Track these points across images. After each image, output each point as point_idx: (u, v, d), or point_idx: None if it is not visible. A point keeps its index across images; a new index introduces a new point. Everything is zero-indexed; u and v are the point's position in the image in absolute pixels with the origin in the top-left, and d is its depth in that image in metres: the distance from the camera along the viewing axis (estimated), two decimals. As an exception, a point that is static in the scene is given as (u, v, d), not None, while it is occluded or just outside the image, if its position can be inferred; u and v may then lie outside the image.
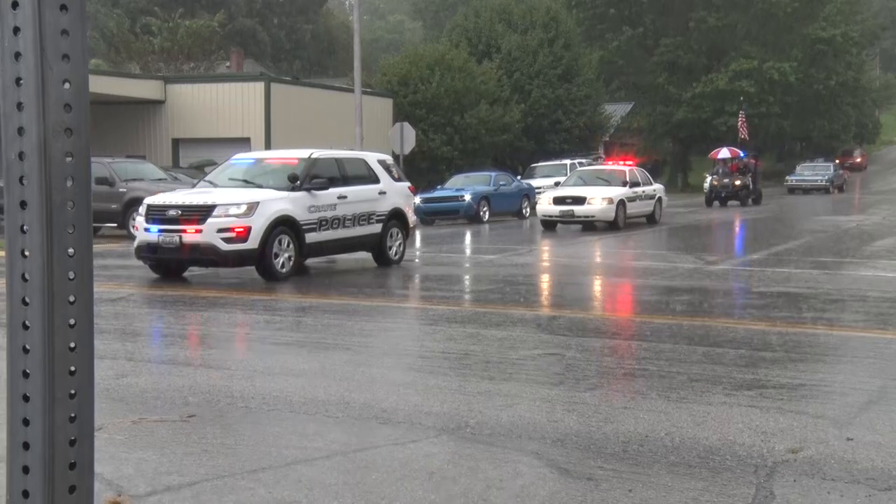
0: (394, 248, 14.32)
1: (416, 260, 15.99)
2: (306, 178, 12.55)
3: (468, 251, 18.27)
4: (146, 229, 11.89)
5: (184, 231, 11.52)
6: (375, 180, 14.04)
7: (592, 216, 22.61)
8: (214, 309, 10.02)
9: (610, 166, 27.50)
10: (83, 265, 1.31)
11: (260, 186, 12.50)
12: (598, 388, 6.20)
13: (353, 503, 4.10)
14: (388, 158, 15.37)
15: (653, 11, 54.39)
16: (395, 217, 14.26)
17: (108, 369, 6.66)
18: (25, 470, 1.20)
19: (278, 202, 12.03)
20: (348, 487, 4.33)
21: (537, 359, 7.39)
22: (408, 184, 15.45)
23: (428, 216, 26.84)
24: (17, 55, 1.20)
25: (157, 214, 11.89)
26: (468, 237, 19.70)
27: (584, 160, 32.81)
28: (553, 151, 40.44)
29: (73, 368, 1.27)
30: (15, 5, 1.19)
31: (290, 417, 5.51)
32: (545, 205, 23.36)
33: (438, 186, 29.90)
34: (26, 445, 1.20)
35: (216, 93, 29.70)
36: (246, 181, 12.94)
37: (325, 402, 5.85)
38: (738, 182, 34.92)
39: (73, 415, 1.24)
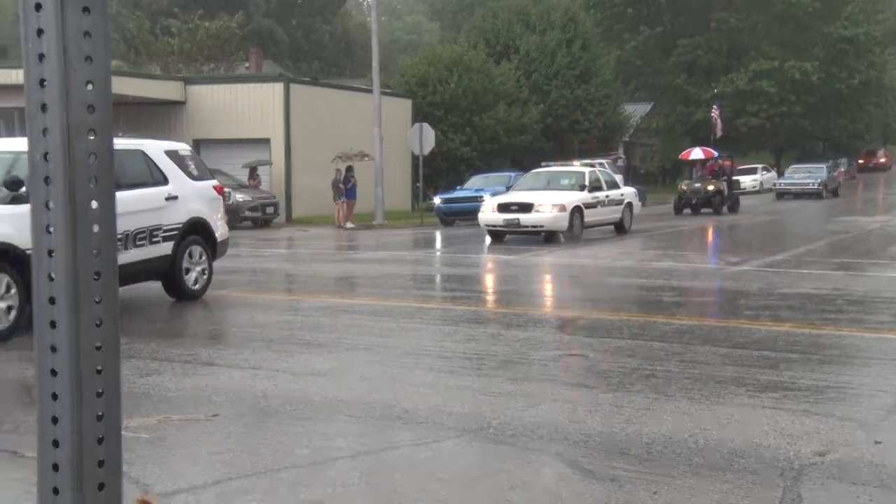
0: (193, 274, 10.46)
1: (433, 256, 15.90)
2: None
3: (489, 252, 18.26)
4: None
5: None
6: (161, 180, 10.11)
7: (541, 226, 19.13)
8: (235, 309, 10.07)
9: (568, 167, 24.02)
10: (108, 265, 1.32)
11: None
12: (621, 389, 6.17)
13: (376, 502, 4.10)
14: (184, 148, 11.37)
15: (671, 11, 54.17)
16: (196, 230, 10.51)
17: (133, 368, 6.70)
18: (55, 467, 1.21)
19: None
20: (371, 487, 4.34)
21: (558, 359, 7.37)
22: (213, 182, 11.36)
23: (448, 217, 26.85)
24: (41, 57, 1.20)
25: None
26: (488, 238, 19.70)
27: (604, 161, 32.48)
28: (573, 152, 40.33)
29: (99, 367, 1.27)
30: (38, 7, 1.19)
31: (313, 417, 5.52)
32: (488, 212, 19.70)
33: (458, 187, 29.90)
34: (56, 443, 1.21)
35: (236, 93, 29.85)
36: None
37: (346, 402, 5.87)
38: (710, 187, 30.11)
39: (100, 413, 1.24)
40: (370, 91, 29.65)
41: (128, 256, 9.16)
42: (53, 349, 1.26)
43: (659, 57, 53.76)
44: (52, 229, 1.27)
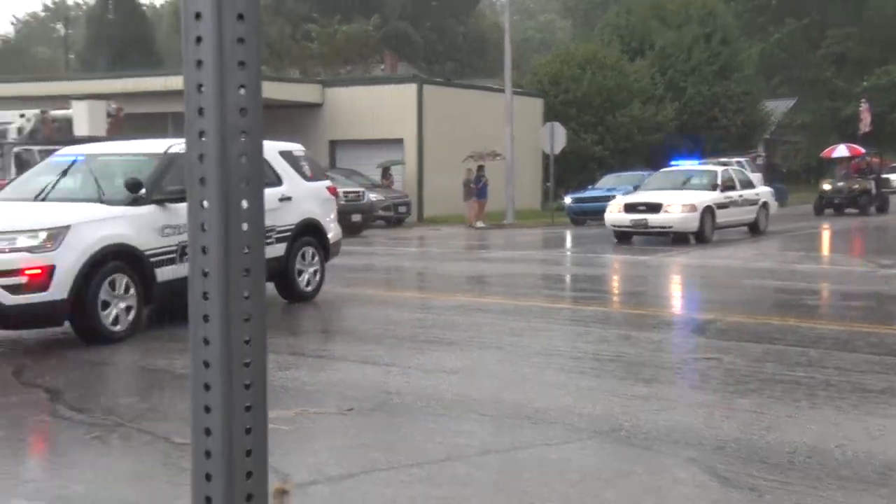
0: (306, 276, 10.35)
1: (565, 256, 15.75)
2: (157, 185, 8.52)
3: (620, 252, 17.97)
4: None
5: None
6: (275, 181, 9.99)
7: (669, 226, 18.62)
8: (369, 307, 10.29)
9: (699, 166, 23.09)
10: (256, 262, 1.37)
11: (80, 200, 8.39)
12: (760, 396, 5.95)
13: (506, 500, 4.11)
14: (298, 148, 11.16)
15: (819, 1, 51.71)
16: (309, 231, 10.41)
17: (272, 362, 6.95)
18: (207, 454, 1.27)
19: (106, 224, 7.89)
20: (501, 486, 4.35)
21: (693, 363, 7.18)
22: (327, 183, 11.32)
23: (578, 216, 26.59)
24: (199, 63, 1.26)
25: None
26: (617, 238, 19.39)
27: (741, 159, 31.24)
28: (708, 151, 39.14)
29: (248, 361, 1.33)
30: (198, 16, 1.25)
31: (444, 414, 5.58)
32: (614, 213, 19.28)
33: (589, 186, 29.56)
34: (208, 431, 1.27)
35: (371, 95, 30.49)
36: (55, 195, 8.66)
37: (477, 400, 5.90)
38: (855, 186, 28.26)
39: (248, 404, 1.30)
40: (502, 91, 29.70)
41: None
42: (206, 342, 1.32)
43: (805, 49, 51.37)
44: (206, 227, 1.33)
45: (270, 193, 9.56)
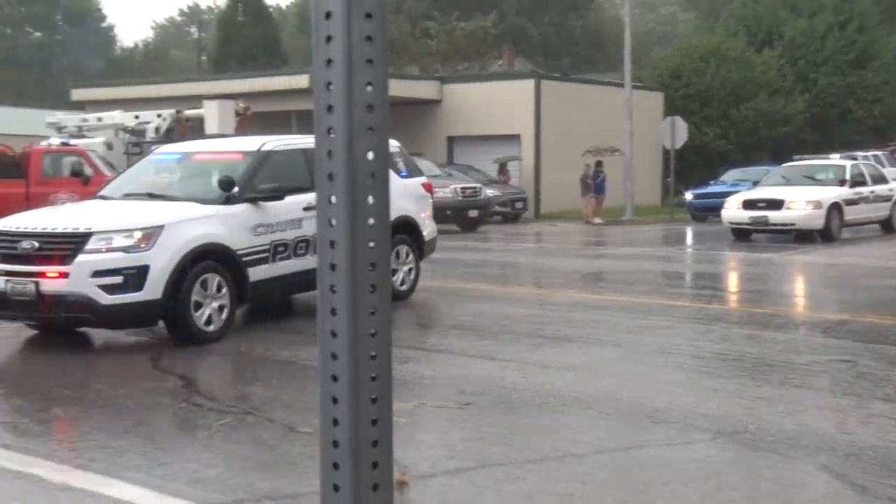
0: (400, 275, 10.06)
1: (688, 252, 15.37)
2: (249, 183, 8.42)
3: (742, 249, 17.40)
4: None
5: (42, 275, 7.29)
6: None
7: (792, 224, 17.85)
8: (486, 302, 10.32)
9: (826, 160, 22.05)
10: (382, 256, 1.39)
11: (174, 199, 8.41)
12: (896, 400, 5.65)
13: (625, 501, 4.05)
14: (393, 145, 10.41)
15: (964, -17, 48.50)
16: (402, 229, 10.09)
17: (392, 356, 7.06)
18: (335, 444, 1.30)
19: (199, 223, 7.85)
20: (620, 485, 4.29)
21: (824, 365, 6.89)
22: (422, 179, 11.06)
23: (700, 212, 25.88)
24: (329, 62, 1.30)
25: (5, 247, 7.59)
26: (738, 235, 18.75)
27: (878, 153, 29.58)
28: (839, 144, 37.37)
29: (373, 353, 1.35)
30: (328, 16, 1.28)
31: (562, 411, 5.55)
32: (732, 209, 18.63)
33: (711, 182, 28.72)
34: (336, 421, 1.30)
35: (489, 91, 30.54)
36: (152, 193, 8.74)
37: (595, 397, 5.84)
38: None
39: (374, 396, 1.32)
40: (621, 85, 29.22)
41: None
42: (334, 334, 1.35)
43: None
44: (333, 222, 1.36)
45: None
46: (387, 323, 1.38)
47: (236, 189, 8.17)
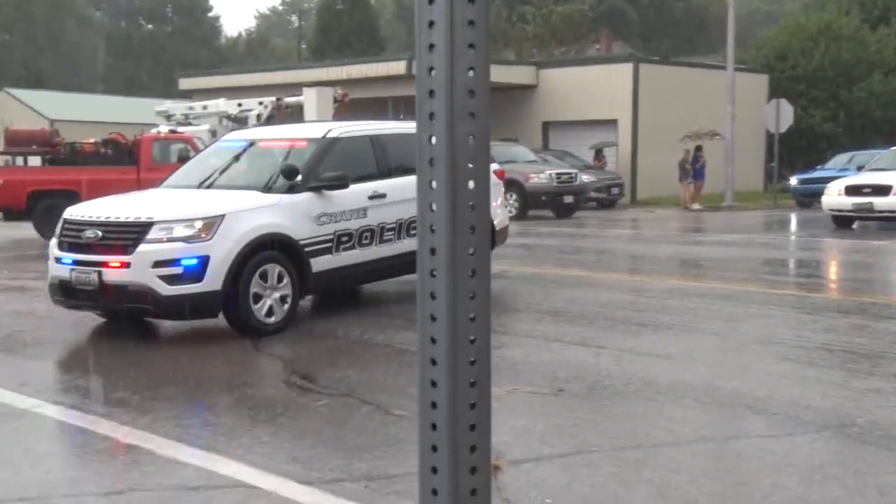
0: None
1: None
2: (313, 171, 8.19)
3: (850, 236, 16.75)
4: (58, 259, 7.63)
5: (104, 264, 7.27)
6: None
7: None
8: (581, 288, 10.24)
9: None
10: (482, 241, 1.40)
11: (238, 187, 8.25)
12: None
13: (722, 492, 3.97)
14: None
15: None
16: None
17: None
18: (433, 427, 1.31)
19: (259, 213, 7.70)
20: (718, 475, 4.20)
21: (937, 358, 6.58)
22: (493, 166, 10.27)
23: (805, 198, 25.02)
24: (431, 46, 1.30)
25: (71, 235, 7.61)
26: (844, 222, 18.01)
27: None
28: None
29: (472, 337, 1.36)
30: (431, 1, 1.29)
31: (657, 399, 5.47)
32: (833, 196, 18.01)
33: (818, 167, 27.71)
34: (434, 405, 1.32)
35: (585, 75, 30.16)
36: (216, 182, 8.53)
37: (692, 385, 5.73)
38: None
39: (472, 380, 1.33)
40: (723, 67, 28.44)
41: (400, 246, 8.75)
42: (433, 318, 1.37)
43: None
44: (434, 207, 1.37)
45: None
46: (486, 307, 1.38)
47: (300, 177, 7.96)
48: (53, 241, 7.74)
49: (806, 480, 4.08)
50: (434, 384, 1.33)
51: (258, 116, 20.96)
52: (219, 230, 7.29)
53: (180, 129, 19.87)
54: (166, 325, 8.10)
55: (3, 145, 20.38)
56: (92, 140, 18.65)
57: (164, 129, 19.68)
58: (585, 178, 24.08)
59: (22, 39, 57.40)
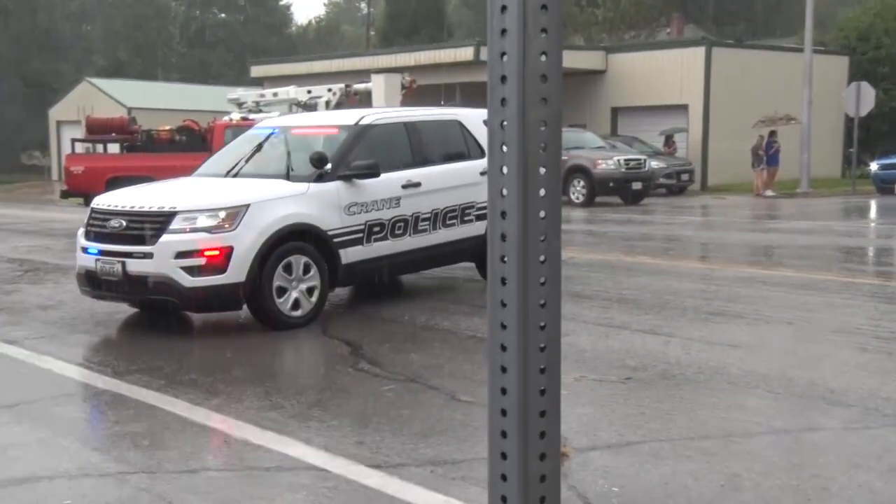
0: None
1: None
2: (344, 160, 7.94)
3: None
4: (85, 248, 7.51)
5: (128, 254, 7.14)
6: (478, 153, 9.07)
7: None
8: (649, 276, 10.10)
9: None
10: (552, 227, 1.39)
11: (266, 176, 8.05)
12: None
13: (797, 484, 3.89)
14: None
15: None
16: None
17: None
18: (503, 412, 1.31)
19: (286, 202, 7.47)
20: (792, 467, 4.12)
21: None
22: None
23: (885, 184, 24.25)
24: (503, 31, 1.30)
25: (97, 225, 7.51)
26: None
27: None
28: None
29: (542, 324, 1.35)
30: (503, -15, 1.28)
31: (728, 389, 5.37)
32: None
33: (900, 151, 26.83)
34: (504, 391, 1.32)
35: (655, 60, 29.66)
36: (245, 170, 8.37)
37: (765, 376, 5.61)
38: None
39: (542, 367, 1.33)
40: (800, 50, 27.66)
41: (434, 237, 8.51)
42: (503, 304, 1.36)
43: None
44: (505, 192, 1.37)
45: (471, 167, 8.93)
46: (557, 293, 1.37)
47: (329, 166, 7.72)
48: (81, 231, 7.64)
49: (886, 475, 3.97)
50: (504, 370, 1.33)
51: (327, 103, 21.16)
52: (243, 220, 7.07)
53: (252, 116, 20.19)
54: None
55: (84, 133, 20.98)
56: (167, 127, 19.10)
57: (236, 116, 20.02)
58: (654, 164, 23.72)
59: (102, 30, 58.94)
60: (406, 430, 4.72)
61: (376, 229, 7.99)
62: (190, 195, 7.52)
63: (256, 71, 35.46)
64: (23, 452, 4.52)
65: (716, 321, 7.43)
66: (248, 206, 7.17)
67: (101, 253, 7.24)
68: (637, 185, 22.07)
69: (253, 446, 4.48)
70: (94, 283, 7.37)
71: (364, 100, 21.10)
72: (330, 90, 21.51)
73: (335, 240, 7.65)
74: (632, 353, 6.34)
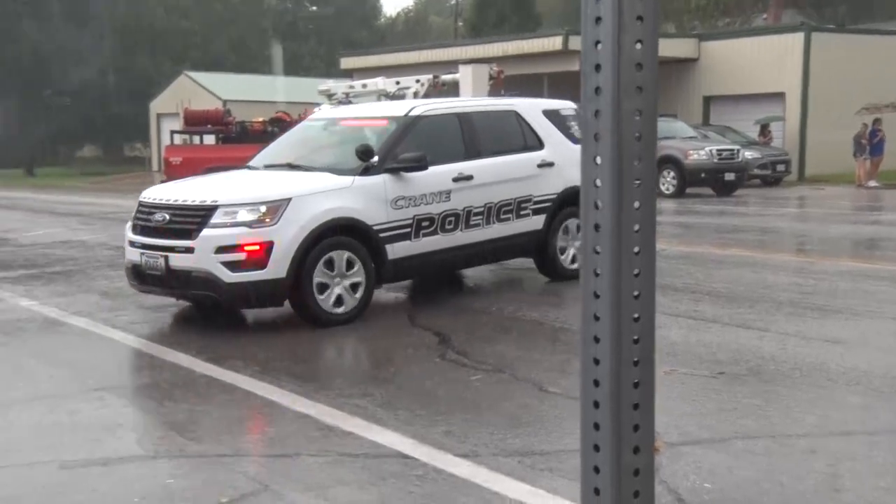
0: (571, 252, 9.08)
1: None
2: (391, 152, 7.70)
3: None
4: (131, 242, 7.48)
5: (171, 249, 7.06)
6: (535, 145, 8.84)
7: None
8: (742, 268, 9.86)
9: None
10: (647, 218, 1.37)
11: (312, 169, 7.82)
12: None
13: (898, 488, 3.75)
14: (567, 107, 9.52)
15: None
16: (574, 201, 8.82)
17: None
18: (595, 404, 1.31)
19: (329, 196, 7.25)
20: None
21: None
22: None
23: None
24: (598, 20, 1.28)
25: (143, 219, 7.44)
26: None
27: None
28: None
29: (636, 315, 1.34)
30: (598, -27, 1.27)
31: (827, 386, 5.21)
32: None
33: None
34: (596, 382, 1.31)
35: (751, 47, 28.84)
36: (292, 163, 8.13)
37: (867, 373, 5.42)
38: None
39: (636, 359, 1.31)
40: (905, 33, 26.51)
41: (488, 232, 8.25)
42: (596, 295, 1.35)
43: None
44: (598, 183, 1.35)
45: (528, 159, 8.69)
46: (651, 285, 1.36)
47: (375, 158, 7.51)
48: (129, 224, 7.59)
49: None
50: (597, 362, 1.32)
51: (415, 94, 21.29)
52: (284, 215, 6.90)
53: (341, 107, 20.48)
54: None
55: (182, 125, 21.65)
56: (260, 119, 19.56)
57: (326, 107, 20.34)
58: (748, 154, 23.09)
59: (199, 24, 60.62)
60: (494, 420, 4.73)
61: (425, 224, 7.75)
62: (232, 189, 7.39)
63: (346, 62, 35.92)
64: (126, 433, 4.71)
65: (813, 316, 7.21)
66: (289, 199, 7.00)
67: (146, 247, 7.20)
68: (730, 176, 21.53)
69: (343, 433, 4.56)
70: (140, 277, 7.32)
71: (452, 90, 21.15)
72: (418, 81, 21.63)
73: (381, 235, 7.43)
74: (724, 347, 6.21)
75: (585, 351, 1.34)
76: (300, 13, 71.56)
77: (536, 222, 8.70)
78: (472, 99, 9.44)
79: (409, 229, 7.62)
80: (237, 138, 18.49)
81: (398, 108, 8.45)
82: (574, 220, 8.97)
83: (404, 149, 7.74)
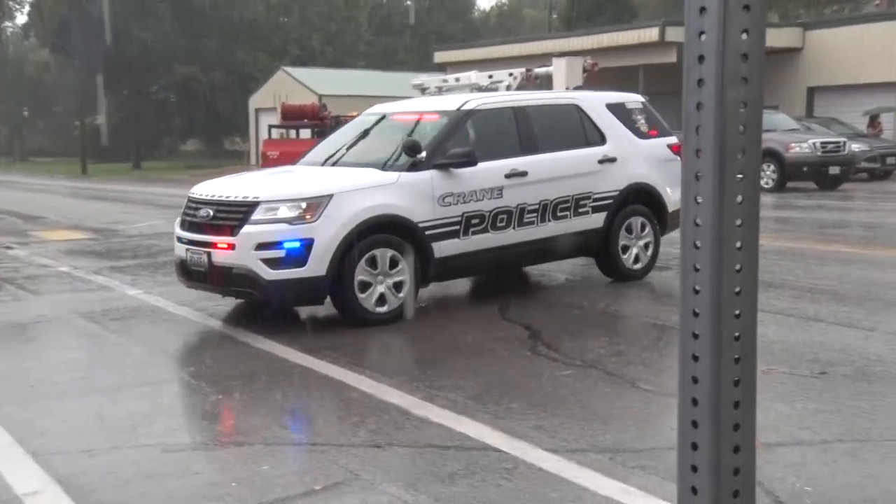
0: (633, 251, 8.68)
1: None
2: (440, 147, 7.46)
3: None
4: (179, 238, 7.42)
5: (213, 245, 6.97)
6: (597, 140, 8.53)
7: None
8: (847, 265, 9.50)
9: None
10: (750, 212, 1.34)
11: (360, 165, 7.63)
12: None
13: None
14: (633, 100, 9.20)
15: None
16: (638, 198, 8.64)
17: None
18: (694, 402, 1.28)
19: (373, 193, 7.05)
20: None
21: None
22: (669, 140, 9.10)
23: None
24: (702, 10, 1.25)
25: (190, 214, 7.38)
26: None
27: None
28: None
29: (737, 312, 1.31)
30: (702, -38, 1.24)
31: (936, 391, 4.98)
32: None
33: None
34: (695, 380, 1.28)
35: (860, 35, 27.73)
36: (341, 158, 8.00)
37: (980, 379, 5.16)
38: None
39: (737, 356, 1.28)
40: None
41: (543, 230, 7.94)
42: (696, 291, 1.33)
43: None
44: (699, 175, 1.33)
45: (588, 154, 8.37)
46: (753, 281, 1.32)
47: (423, 154, 7.28)
48: (178, 220, 7.51)
49: None
50: (696, 358, 1.29)
51: (507, 87, 21.21)
52: (325, 211, 6.73)
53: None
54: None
55: (279, 119, 22.12)
56: (355, 113, 19.76)
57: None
58: (855, 146, 22.21)
59: (297, 20, 61.84)
60: (584, 415, 4.69)
61: (475, 221, 7.49)
62: (275, 185, 7.28)
63: (440, 56, 36.09)
64: (223, 419, 4.85)
65: (923, 316, 6.90)
66: (330, 196, 6.83)
67: (191, 242, 7.13)
68: (835, 170, 20.77)
69: (433, 425, 4.60)
70: (186, 273, 7.26)
71: (545, 84, 21.00)
72: (511, 74, 21.52)
73: (427, 232, 7.19)
74: (826, 346, 6.00)
75: (684, 347, 1.31)
76: (395, 8, 72.22)
77: (596, 220, 8.37)
78: (532, 92, 9.27)
79: (457, 227, 7.39)
80: (332, 132, 18.80)
81: (451, 102, 8.23)
82: (638, 217, 8.70)
83: (454, 144, 7.52)
